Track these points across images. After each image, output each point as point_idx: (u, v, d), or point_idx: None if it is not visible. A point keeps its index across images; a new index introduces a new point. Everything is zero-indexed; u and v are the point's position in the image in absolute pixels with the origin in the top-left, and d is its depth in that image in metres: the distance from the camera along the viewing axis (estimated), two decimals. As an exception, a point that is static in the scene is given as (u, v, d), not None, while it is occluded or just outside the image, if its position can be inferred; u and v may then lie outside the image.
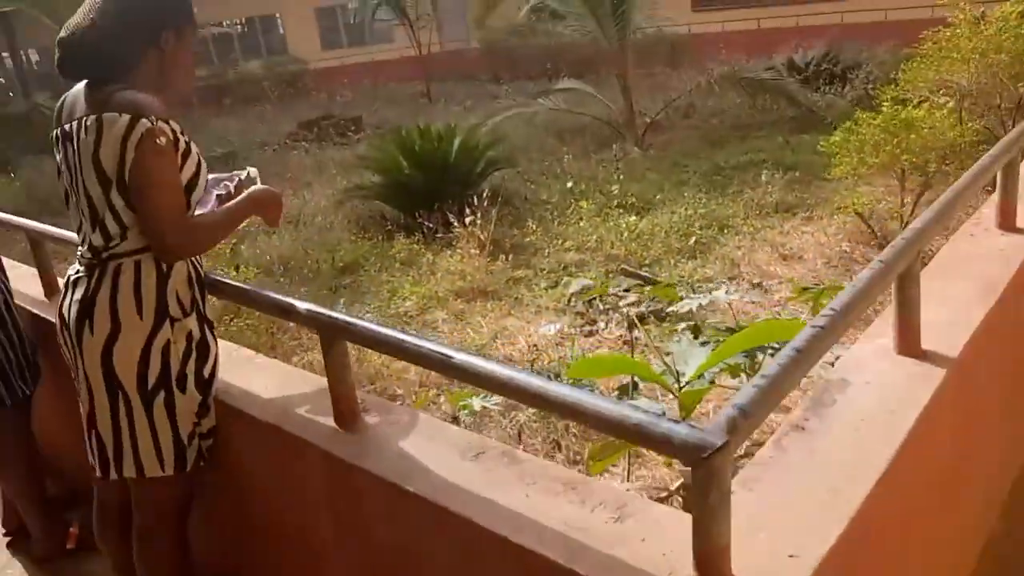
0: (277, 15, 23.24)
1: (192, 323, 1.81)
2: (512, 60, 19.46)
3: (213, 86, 20.21)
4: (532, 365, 4.37)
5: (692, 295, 2.54)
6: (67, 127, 1.72)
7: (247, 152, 12.75)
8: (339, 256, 6.96)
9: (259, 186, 1.96)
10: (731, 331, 2.46)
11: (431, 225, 7.09)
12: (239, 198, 1.88)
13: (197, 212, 1.80)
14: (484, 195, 7.20)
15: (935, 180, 5.63)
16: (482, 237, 6.51)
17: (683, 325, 2.64)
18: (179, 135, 1.71)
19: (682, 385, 1.83)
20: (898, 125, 5.01)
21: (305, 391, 1.88)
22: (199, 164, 1.78)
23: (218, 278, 1.91)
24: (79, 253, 1.81)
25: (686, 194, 7.75)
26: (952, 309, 1.68)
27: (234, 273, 5.32)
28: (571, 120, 11.53)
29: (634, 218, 7.00)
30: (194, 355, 1.82)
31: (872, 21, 14.99)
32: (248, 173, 2.17)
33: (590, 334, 5.22)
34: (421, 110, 15.83)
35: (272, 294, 1.80)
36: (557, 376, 4.09)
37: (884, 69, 10.83)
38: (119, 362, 1.73)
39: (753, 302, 4.63)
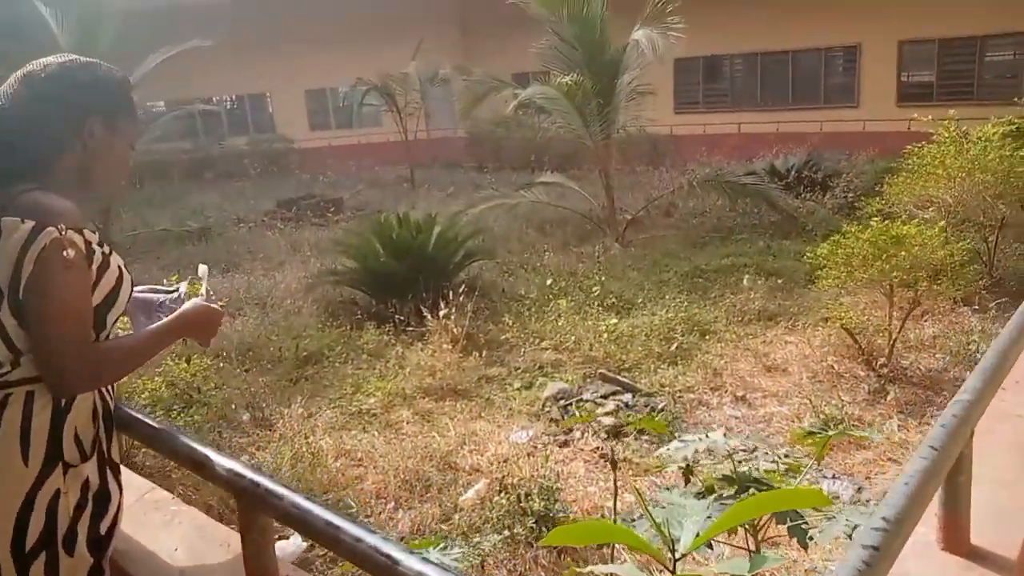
0: (268, 94, 23.48)
1: (90, 468, 1.49)
2: (497, 150, 19.67)
3: (196, 159, 20.18)
4: (500, 484, 4.00)
5: (685, 437, 2.24)
6: None
7: (222, 228, 12.53)
8: (304, 344, 6.62)
9: (194, 301, 1.66)
10: (729, 480, 2.16)
11: (402, 317, 6.81)
12: (167, 319, 1.59)
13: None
14: (461, 287, 6.96)
15: (923, 297, 5.47)
16: (456, 331, 6.22)
17: (674, 461, 2.34)
18: (94, 246, 1.43)
19: (677, 557, 1.52)
20: (888, 241, 4.88)
21: (221, 559, 1.55)
22: (120, 279, 1.50)
23: (129, 412, 1.60)
24: None
25: (667, 295, 7.57)
26: (1011, 493, 1.40)
27: (184, 365, 4.95)
28: (553, 213, 11.47)
29: (614, 319, 6.76)
30: (89, 508, 1.49)
31: (851, 131, 15.37)
32: (179, 292, 1.87)
33: (564, 444, 4.89)
34: (404, 194, 15.80)
35: (187, 440, 1.48)
36: (527, 497, 3.75)
37: (864, 179, 10.97)
38: None
39: (745, 449, 4.33)
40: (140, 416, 1.60)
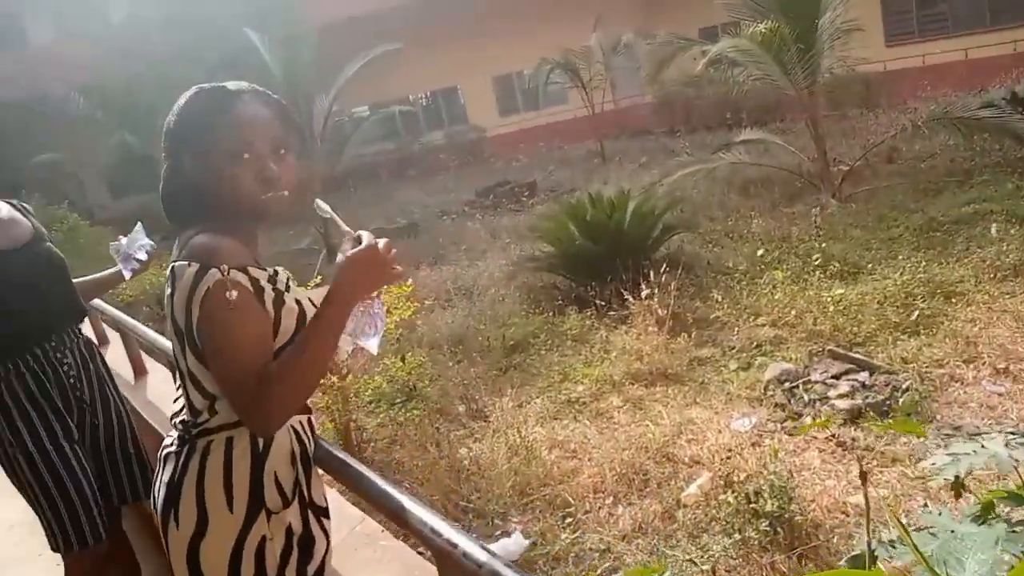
0: (458, 87, 24.21)
1: (293, 514, 1.46)
2: (688, 112, 18.86)
3: (399, 158, 21.32)
4: (725, 479, 3.71)
5: (949, 444, 1.83)
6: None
7: (427, 222, 13.05)
8: (510, 333, 6.65)
9: (340, 257, 1.39)
10: (1017, 498, 1.74)
11: (603, 300, 6.63)
12: (320, 308, 1.37)
13: None
14: (662, 263, 6.64)
15: None
16: (660, 311, 5.93)
17: (936, 463, 1.94)
18: (263, 283, 1.36)
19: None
20: None
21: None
22: (301, 315, 1.42)
23: (331, 450, 1.54)
24: (171, 420, 1.53)
25: (899, 255, 6.73)
26: None
27: (399, 364, 5.12)
28: (756, 173, 10.71)
29: (839, 287, 6.11)
30: (295, 554, 1.46)
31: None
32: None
33: (793, 432, 4.47)
34: (595, 170, 15.59)
35: (383, 485, 1.39)
36: (757, 496, 3.44)
37: None
38: (206, 564, 1.41)
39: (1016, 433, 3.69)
40: (342, 456, 1.53)
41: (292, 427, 1.49)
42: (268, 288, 1.38)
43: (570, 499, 4.07)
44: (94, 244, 11.36)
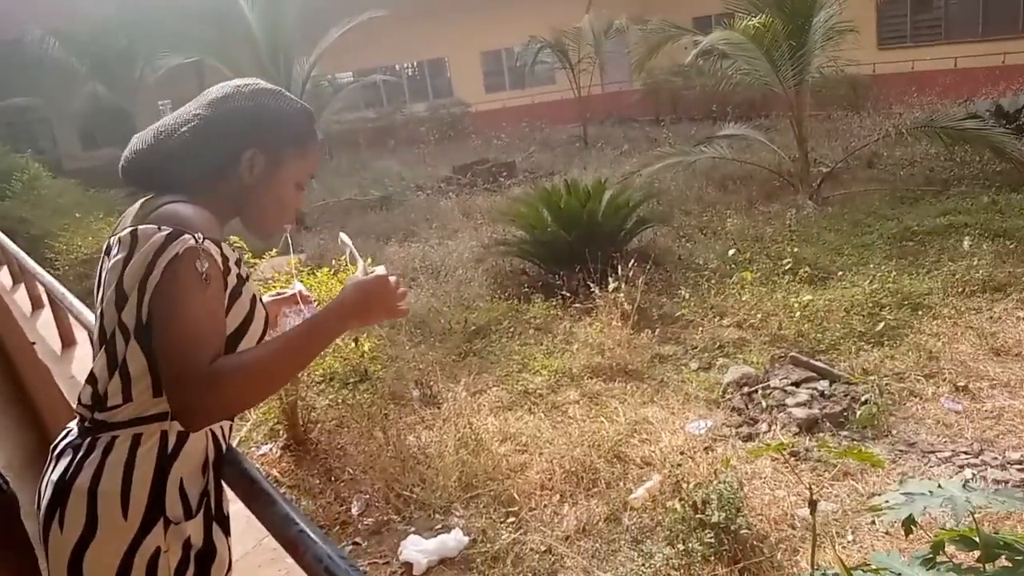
0: (446, 59, 23.84)
1: (194, 527, 1.32)
2: (674, 102, 18.73)
3: (380, 128, 20.96)
4: (675, 484, 3.62)
5: (910, 486, 1.72)
6: (110, 240, 1.30)
7: (402, 196, 12.82)
8: (473, 317, 6.51)
9: (352, 281, 1.35)
10: (968, 542, 1.65)
11: (569, 292, 6.50)
12: (315, 315, 1.34)
13: None
14: (633, 256, 6.53)
15: None
16: (626, 306, 5.82)
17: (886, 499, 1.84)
18: (231, 264, 1.26)
19: None
20: None
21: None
22: (253, 306, 1.32)
23: (239, 460, 1.38)
24: (75, 408, 1.37)
25: (871, 262, 6.67)
26: None
27: (352, 346, 4.97)
28: (736, 169, 10.61)
29: (807, 291, 6.04)
30: (191, 569, 1.32)
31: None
32: (297, 288, 1.67)
33: (748, 438, 4.40)
34: (576, 155, 15.43)
35: (286, 510, 1.21)
36: (705, 505, 3.35)
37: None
38: (90, 574, 1.26)
39: (969, 453, 3.61)
40: (247, 467, 1.37)
41: (212, 431, 1.35)
42: (234, 271, 1.27)
43: (516, 496, 3.96)
44: (55, 196, 11.05)
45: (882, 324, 5.39)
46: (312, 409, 4.87)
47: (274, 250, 5.32)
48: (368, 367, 5.17)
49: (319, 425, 4.85)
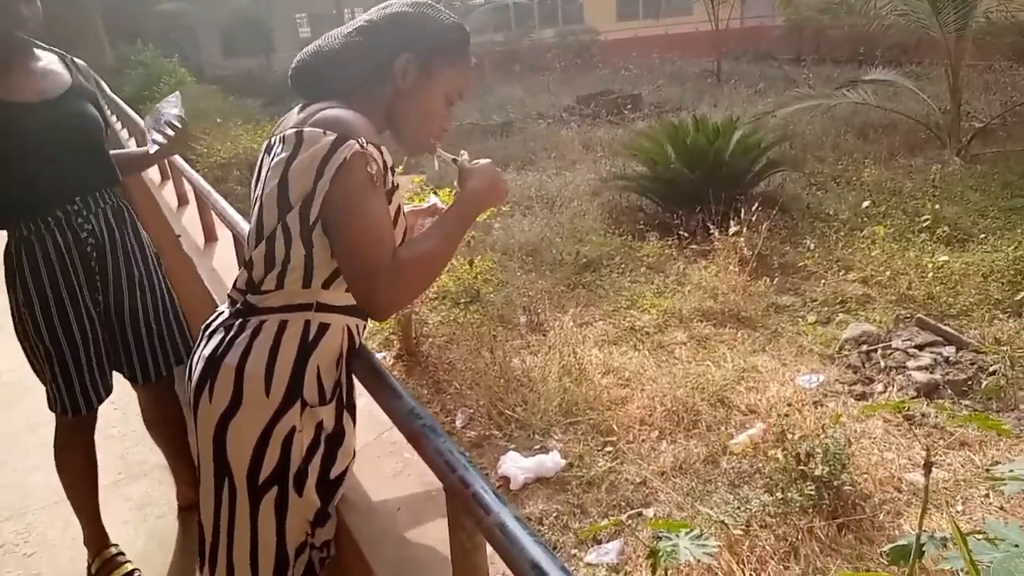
0: (577, -18, 23.24)
1: (327, 412, 1.43)
2: (818, 41, 17.57)
3: (507, 52, 20.81)
4: (779, 434, 3.57)
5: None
6: (271, 140, 1.40)
7: (523, 123, 12.78)
8: (585, 250, 6.51)
9: (471, 172, 1.47)
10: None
11: (686, 232, 6.36)
12: (452, 207, 1.46)
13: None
14: (758, 200, 6.29)
15: None
16: (746, 251, 5.66)
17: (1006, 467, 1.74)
18: (389, 170, 1.33)
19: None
20: None
21: (439, 535, 1.41)
22: (399, 213, 1.40)
23: (369, 358, 1.48)
24: (228, 292, 1.50)
25: (1018, 227, 6.17)
26: None
27: (467, 267, 5.08)
28: (879, 117, 9.94)
29: (944, 252, 5.67)
30: (321, 450, 1.43)
31: None
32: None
33: (861, 396, 4.25)
34: (706, 91, 14.84)
35: (410, 404, 1.31)
36: (809, 458, 3.30)
37: None
38: (232, 443, 1.39)
39: None
40: (376, 363, 1.46)
41: (348, 327, 1.45)
42: (390, 176, 1.35)
43: (615, 427, 4.01)
44: (197, 101, 11.64)
45: (1023, 294, 5.01)
46: (424, 324, 5.05)
47: (399, 167, 5.44)
48: (480, 289, 5.29)
49: (430, 340, 5.03)
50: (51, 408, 2.28)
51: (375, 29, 1.41)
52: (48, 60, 2.18)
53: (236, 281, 1.44)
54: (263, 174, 1.38)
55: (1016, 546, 1.58)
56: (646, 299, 5.58)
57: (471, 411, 4.27)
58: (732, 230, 5.70)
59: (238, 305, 1.43)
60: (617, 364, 4.67)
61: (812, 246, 6.07)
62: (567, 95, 15.01)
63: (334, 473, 1.47)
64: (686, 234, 6.39)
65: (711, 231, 5.91)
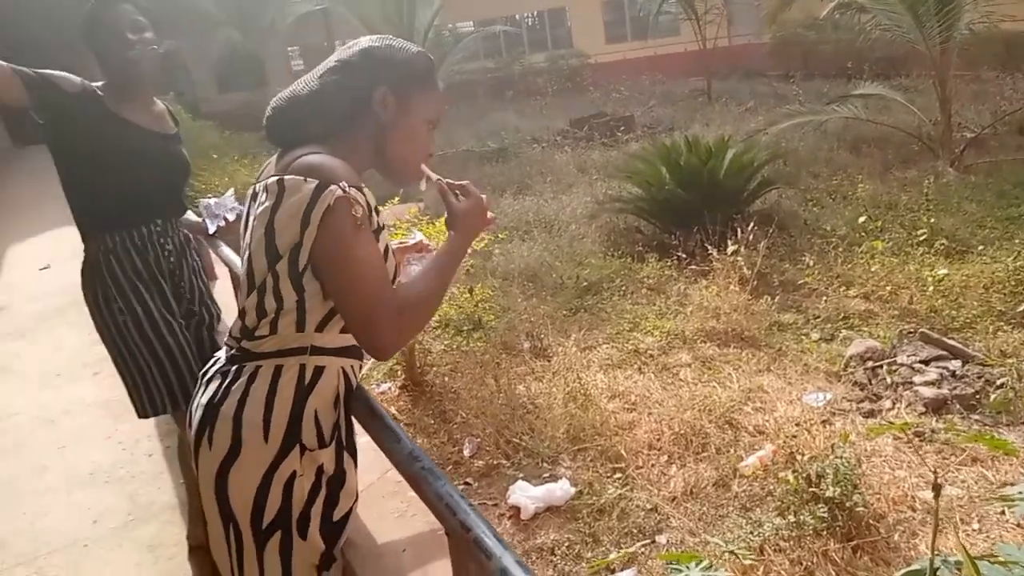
0: (566, 7, 23.44)
1: (327, 455, 1.43)
2: (806, 57, 17.73)
3: (499, 78, 20.96)
4: (788, 455, 3.55)
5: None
6: (255, 188, 1.42)
7: (518, 148, 12.83)
8: (584, 273, 6.51)
9: (456, 208, 1.49)
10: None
11: (685, 253, 6.37)
12: (446, 242, 1.48)
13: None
14: (754, 218, 6.31)
15: None
16: (746, 270, 5.66)
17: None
18: (373, 211, 1.35)
19: None
20: None
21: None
22: (387, 253, 1.40)
23: (368, 398, 1.48)
24: (225, 340, 1.50)
25: (1017, 237, 6.19)
26: None
27: (467, 295, 5.08)
28: (870, 131, 10.01)
29: (943, 265, 5.69)
30: (323, 493, 1.43)
31: None
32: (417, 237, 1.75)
33: (870, 414, 4.23)
34: (698, 110, 14.94)
35: (409, 447, 1.31)
36: (819, 479, 3.27)
37: None
38: (233, 490, 1.39)
39: None
40: (375, 405, 1.46)
41: (344, 369, 1.45)
42: (375, 217, 1.36)
43: (623, 452, 3.99)
44: (195, 138, 11.67)
45: (1027, 305, 5.02)
46: (428, 353, 5.04)
47: (396, 198, 5.47)
48: (481, 316, 5.29)
49: (434, 369, 5.01)
50: (142, 415, 2.44)
51: (348, 67, 1.43)
52: (160, 106, 2.53)
53: (231, 329, 1.46)
54: (250, 223, 1.39)
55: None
56: (648, 321, 5.58)
57: (478, 440, 4.24)
58: (730, 249, 5.71)
59: (233, 351, 1.44)
60: (623, 388, 4.65)
61: (811, 263, 6.08)
62: (560, 119, 15.11)
63: (337, 515, 1.47)
64: (685, 255, 6.40)
65: (709, 251, 5.92)
